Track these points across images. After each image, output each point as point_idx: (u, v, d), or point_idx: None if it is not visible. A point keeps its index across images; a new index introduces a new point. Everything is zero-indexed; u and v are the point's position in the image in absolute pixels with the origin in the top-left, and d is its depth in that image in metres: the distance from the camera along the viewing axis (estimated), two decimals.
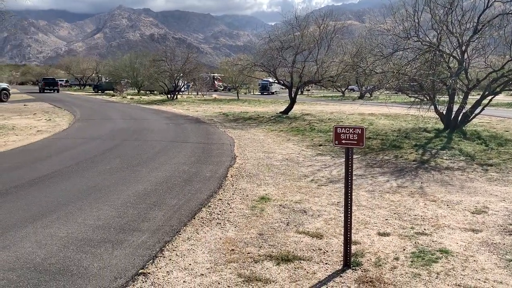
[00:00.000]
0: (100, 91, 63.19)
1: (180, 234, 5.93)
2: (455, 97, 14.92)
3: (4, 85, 39.59)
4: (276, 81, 29.94)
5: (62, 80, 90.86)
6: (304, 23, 25.20)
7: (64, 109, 28.67)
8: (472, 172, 9.83)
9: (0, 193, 7.86)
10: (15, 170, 10.00)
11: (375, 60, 16.32)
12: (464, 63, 14.41)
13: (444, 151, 12.12)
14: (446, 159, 11.17)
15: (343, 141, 4.79)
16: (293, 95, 26.02)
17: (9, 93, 38.03)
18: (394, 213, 6.84)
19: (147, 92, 59.34)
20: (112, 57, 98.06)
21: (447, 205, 7.26)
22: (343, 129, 4.79)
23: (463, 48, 14.36)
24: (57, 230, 5.95)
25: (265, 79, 51.62)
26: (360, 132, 4.71)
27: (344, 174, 4.99)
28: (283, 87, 33.17)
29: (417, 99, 16.03)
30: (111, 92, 58.01)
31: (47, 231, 5.89)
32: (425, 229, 6.07)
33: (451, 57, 15.05)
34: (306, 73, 25.15)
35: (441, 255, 5.15)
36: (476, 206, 7.17)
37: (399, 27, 15.56)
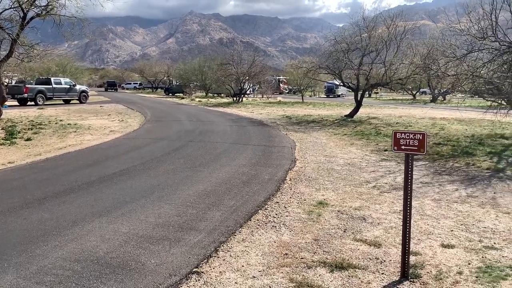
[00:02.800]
0: (170, 94, 65.97)
1: (235, 235, 5.98)
2: None
3: (84, 87, 42.73)
4: (341, 84, 29.41)
5: (136, 83, 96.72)
6: (372, 24, 24.53)
7: (136, 111, 30.18)
8: None
9: (73, 189, 8.43)
10: (88, 167, 10.68)
11: (448, 62, 15.49)
12: None
13: None
14: None
15: (403, 147, 4.58)
16: (359, 98, 25.39)
17: (87, 95, 40.88)
18: (461, 224, 6.42)
19: (214, 94, 60.92)
20: (182, 61, 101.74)
21: None
22: (403, 134, 4.57)
23: None
24: (120, 226, 6.26)
25: (331, 81, 50.90)
26: (421, 138, 4.47)
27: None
28: (350, 90, 32.52)
29: (494, 103, 14.97)
30: (181, 94, 60.31)
31: (111, 227, 6.22)
32: (495, 243, 5.63)
33: None
34: (373, 75, 24.42)
35: (511, 272, 4.74)
36: None
37: (475, 26, 14.62)
